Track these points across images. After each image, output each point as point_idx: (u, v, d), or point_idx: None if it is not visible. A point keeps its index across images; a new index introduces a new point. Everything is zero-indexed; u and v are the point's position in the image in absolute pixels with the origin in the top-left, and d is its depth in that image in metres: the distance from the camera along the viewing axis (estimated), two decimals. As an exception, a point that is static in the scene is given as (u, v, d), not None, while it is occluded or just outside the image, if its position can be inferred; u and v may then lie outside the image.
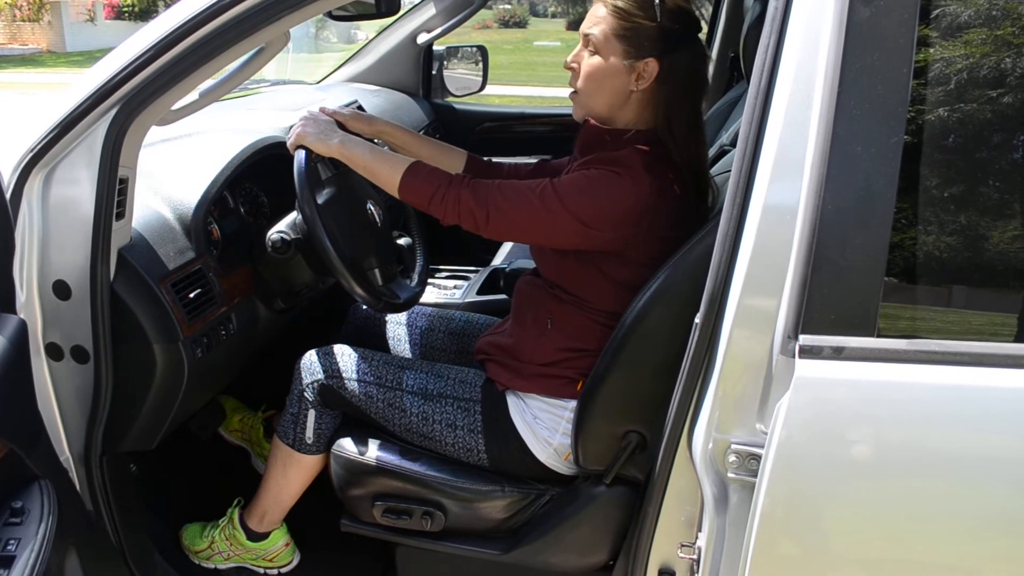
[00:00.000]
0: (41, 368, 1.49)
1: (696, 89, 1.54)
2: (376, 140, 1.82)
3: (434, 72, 3.23)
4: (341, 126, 1.68)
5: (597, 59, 1.50)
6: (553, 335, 1.58)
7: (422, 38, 3.08)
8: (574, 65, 1.54)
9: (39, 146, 1.37)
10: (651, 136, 1.52)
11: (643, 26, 1.47)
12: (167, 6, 1.38)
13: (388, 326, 1.98)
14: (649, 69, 1.49)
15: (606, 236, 1.46)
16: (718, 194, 1.58)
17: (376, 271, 1.74)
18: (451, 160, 1.82)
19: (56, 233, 1.43)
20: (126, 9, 17.82)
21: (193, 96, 1.51)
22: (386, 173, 1.55)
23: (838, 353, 1.09)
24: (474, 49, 3.36)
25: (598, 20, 1.50)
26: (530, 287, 1.65)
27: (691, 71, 1.51)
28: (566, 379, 1.58)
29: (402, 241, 1.94)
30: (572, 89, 1.56)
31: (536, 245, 1.62)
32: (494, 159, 1.91)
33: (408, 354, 1.94)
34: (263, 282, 1.81)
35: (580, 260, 1.53)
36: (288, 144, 1.64)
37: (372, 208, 1.81)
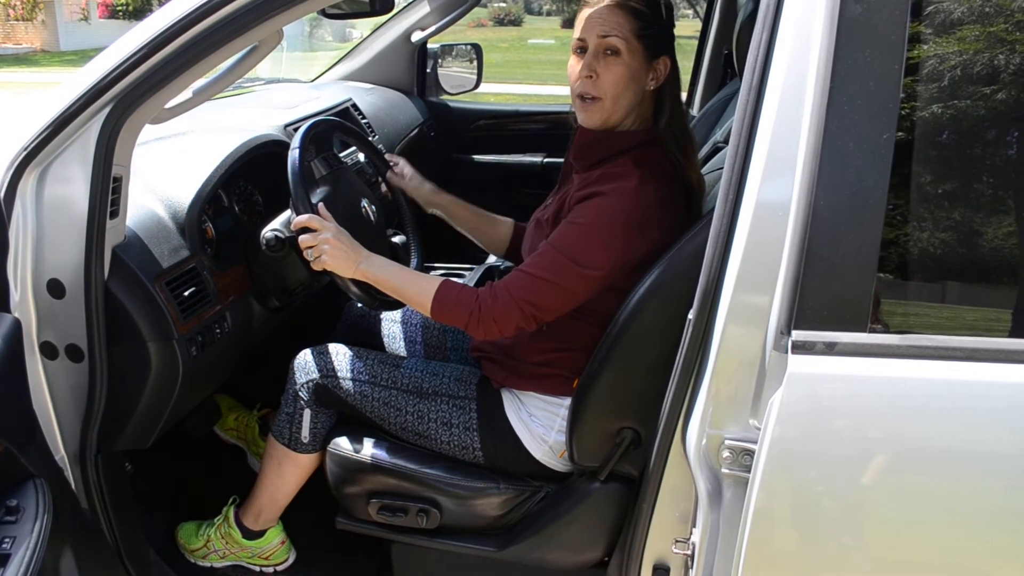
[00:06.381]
0: (36, 367, 1.48)
1: (679, 85, 1.57)
2: (430, 211, 1.89)
3: (428, 70, 3.23)
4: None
5: (622, 62, 1.47)
6: (547, 337, 1.58)
7: (416, 36, 3.08)
8: (592, 74, 1.48)
9: (33, 144, 1.37)
10: (646, 137, 1.52)
11: (657, 25, 1.49)
12: (161, 5, 1.38)
13: (383, 324, 1.98)
14: (663, 68, 1.51)
15: (631, 264, 1.45)
16: (708, 191, 1.59)
17: (371, 269, 1.74)
18: (499, 230, 1.88)
19: (50, 232, 1.43)
20: (120, 8, 17.78)
21: (187, 94, 1.51)
22: (415, 297, 1.54)
23: (831, 349, 1.09)
24: (469, 47, 3.37)
25: (615, 24, 1.46)
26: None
27: (676, 68, 1.54)
28: (562, 377, 1.58)
29: (397, 239, 1.94)
30: (591, 96, 1.49)
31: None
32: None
33: (403, 352, 1.94)
34: (258, 280, 1.80)
35: None
36: (312, 264, 1.56)
37: (366, 206, 1.81)
